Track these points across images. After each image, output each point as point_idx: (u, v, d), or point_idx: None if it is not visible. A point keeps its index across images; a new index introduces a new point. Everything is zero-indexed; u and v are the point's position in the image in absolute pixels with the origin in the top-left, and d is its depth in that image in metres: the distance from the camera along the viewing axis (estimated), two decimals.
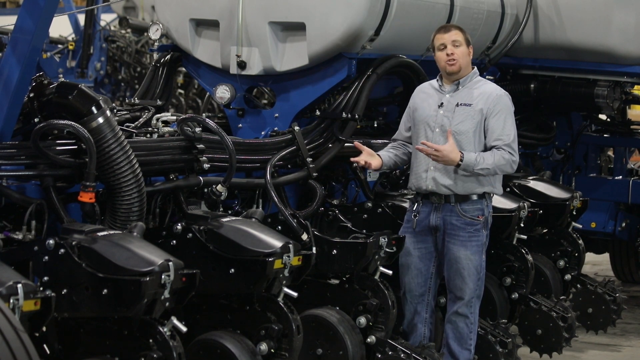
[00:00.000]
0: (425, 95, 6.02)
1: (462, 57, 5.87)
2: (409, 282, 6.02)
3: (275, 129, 6.40)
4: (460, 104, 5.87)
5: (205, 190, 5.48)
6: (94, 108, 4.89)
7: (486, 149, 5.85)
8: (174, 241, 5.13)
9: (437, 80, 6.00)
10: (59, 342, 4.59)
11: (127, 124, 5.80)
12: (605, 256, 10.07)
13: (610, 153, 9.60)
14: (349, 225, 6.08)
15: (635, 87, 9.06)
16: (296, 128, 6.20)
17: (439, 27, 6.01)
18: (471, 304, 5.92)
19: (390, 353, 5.63)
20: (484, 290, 6.57)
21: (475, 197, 5.88)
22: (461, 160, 5.69)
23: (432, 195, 5.91)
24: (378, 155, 5.97)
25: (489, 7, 7.47)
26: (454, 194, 5.86)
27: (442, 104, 5.91)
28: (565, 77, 8.29)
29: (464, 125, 5.83)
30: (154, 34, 6.68)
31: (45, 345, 4.46)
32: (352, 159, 5.97)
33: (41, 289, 4.14)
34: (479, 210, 5.89)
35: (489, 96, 5.86)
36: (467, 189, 5.86)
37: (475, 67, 6.03)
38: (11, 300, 3.96)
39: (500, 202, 6.70)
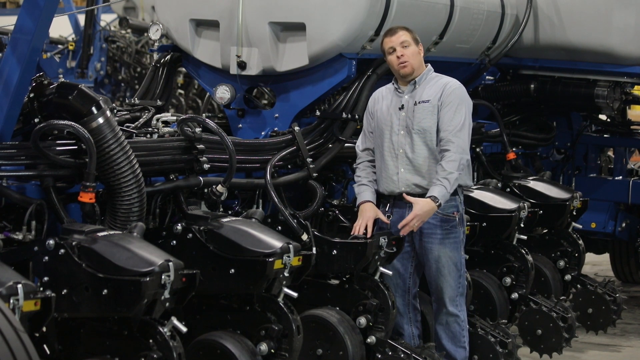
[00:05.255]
0: (384, 100, 5.96)
1: (412, 57, 5.84)
2: (388, 283, 5.99)
3: (275, 129, 6.40)
4: (419, 102, 5.82)
5: (206, 190, 5.47)
6: (94, 108, 4.89)
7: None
8: (174, 241, 5.13)
9: (393, 83, 5.95)
10: (59, 342, 4.59)
11: (127, 124, 5.80)
12: (605, 256, 10.07)
13: (610, 153, 9.60)
14: (349, 225, 6.08)
15: (635, 87, 9.06)
16: (296, 128, 6.20)
17: (386, 30, 5.99)
18: (457, 302, 5.90)
19: (390, 353, 5.63)
20: (484, 290, 6.60)
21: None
22: (435, 200, 5.63)
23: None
24: (369, 201, 5.86)
25: (489, 7, 7.47)
26: (427, 192, 5.81)
27: (402, 106, 5.87)
28: (565, 78, 8.28)
29: (426, 122, 5.79)
30: (154, 34, 6.67)
31: (45, 346, 4.47)
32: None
33: (41, 289, 4.14)
34: (454, 207, 5.85)
35: (443, 89, 5.81)
36: None
37: (429, 64, 5.98)
38: (11, 301, 3.96)
39: (500, 202, 6.71)
